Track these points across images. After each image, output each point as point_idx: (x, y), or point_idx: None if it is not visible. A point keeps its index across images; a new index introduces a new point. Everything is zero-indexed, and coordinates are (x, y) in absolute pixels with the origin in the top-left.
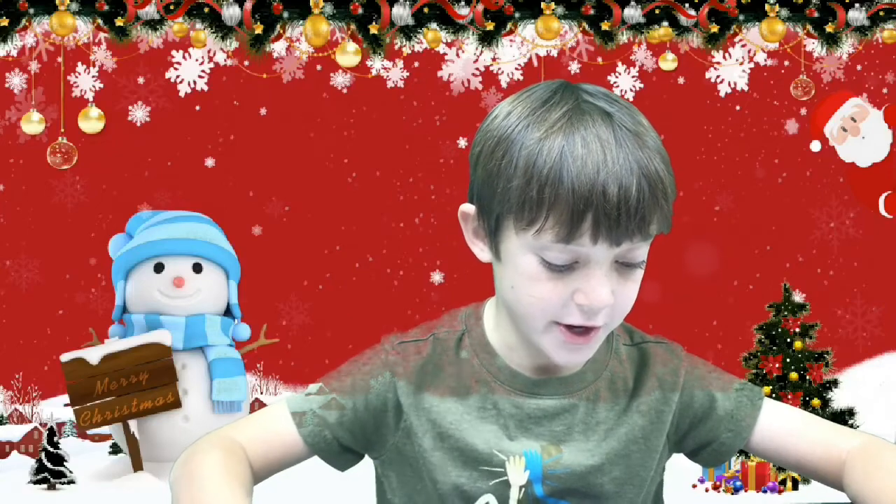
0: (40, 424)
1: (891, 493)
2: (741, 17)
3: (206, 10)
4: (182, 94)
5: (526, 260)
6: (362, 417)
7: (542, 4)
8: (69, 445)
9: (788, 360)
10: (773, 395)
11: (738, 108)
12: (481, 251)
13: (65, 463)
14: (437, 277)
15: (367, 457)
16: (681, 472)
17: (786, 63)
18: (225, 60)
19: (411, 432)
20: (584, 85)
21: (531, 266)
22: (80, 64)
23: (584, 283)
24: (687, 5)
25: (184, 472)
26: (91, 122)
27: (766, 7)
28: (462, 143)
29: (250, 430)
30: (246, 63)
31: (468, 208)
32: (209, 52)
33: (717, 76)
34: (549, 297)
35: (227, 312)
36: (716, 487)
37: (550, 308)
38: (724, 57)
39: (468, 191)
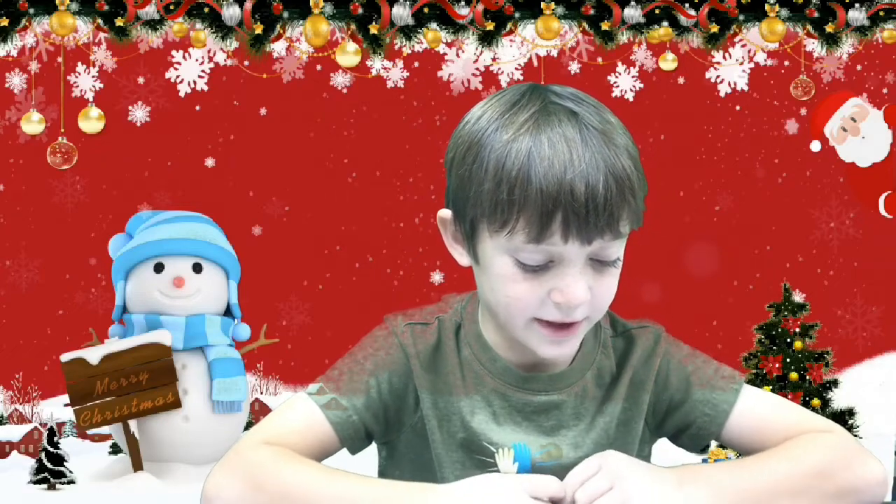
0: (40, 424)
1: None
2: (741, 17)
3: (206, 10)
4: (182, 94)
5: (501, 262)
6: (386, 400)
7: (542, 4)
8: (69, 445)
9: (788, 360)
10: None
11: (738, 108)
12: (460, 255)
13: (65, 463)
14: (437, 277)
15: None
16: None
17: (786, 63)
18: (225, 60)
19: (424, 415)
20: (554, 86)
21: (506, 267)
22: (80, 64)
23: (559, 281)
24: (687, 5)
25: (276, 494)
26: (91, 122)
27: (766, 7)
28: None
29: (280, 428)
30: (246, 63)
31: (445, 214)
32: (209, 52)
33: (717, 76)
34: (526, 296)
35: (227, 312)
36: None
37: (528, 307)
38: (724, 57)
39: (445, 196)
